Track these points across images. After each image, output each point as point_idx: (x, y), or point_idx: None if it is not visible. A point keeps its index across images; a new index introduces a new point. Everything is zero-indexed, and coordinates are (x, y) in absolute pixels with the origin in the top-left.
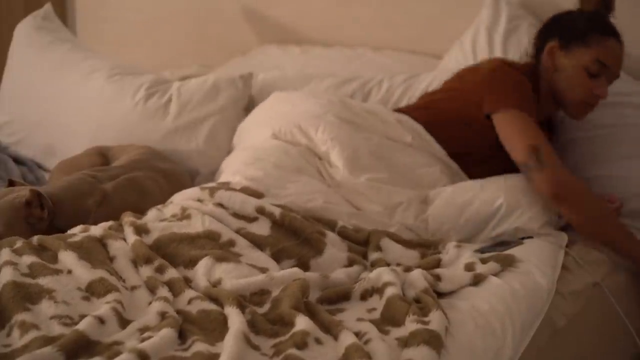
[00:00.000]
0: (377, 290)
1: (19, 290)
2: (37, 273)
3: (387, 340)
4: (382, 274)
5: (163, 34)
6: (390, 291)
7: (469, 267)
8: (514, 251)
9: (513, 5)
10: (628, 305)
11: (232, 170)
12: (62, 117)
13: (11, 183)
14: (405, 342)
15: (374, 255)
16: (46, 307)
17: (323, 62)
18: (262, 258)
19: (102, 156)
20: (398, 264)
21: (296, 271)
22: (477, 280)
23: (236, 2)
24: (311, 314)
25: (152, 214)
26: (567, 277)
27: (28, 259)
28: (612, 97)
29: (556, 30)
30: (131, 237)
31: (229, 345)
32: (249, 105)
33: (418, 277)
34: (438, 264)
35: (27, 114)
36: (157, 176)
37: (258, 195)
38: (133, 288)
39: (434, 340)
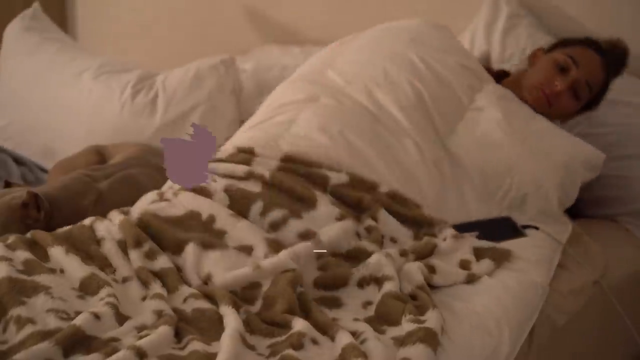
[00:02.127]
0: (376, 280)
1: (14, 286)
2: (32, 271)
3: (383, 340)
4: (382, 265)
5: (163, 34)
6: (387, 287)
7: (464, 265)
8: (510, 246)
9: (512, 3)
10: (628, 304)
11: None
12: (55, 120)
13: (7, 184)
14: (401, 341)
15: (368, 222)
16: (42, 301)
17: None
18: (245, 229)
19: (99, 155)
20: (392, 239)
21: (284, 260)
22: (470, 279)
23: (236, 3)
24: (306, 313)
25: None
26: (567, 275)
27: (22, 255)
28: (616, 96)
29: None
30: (117, 217)
31: (225, 345)
32: (238, 89)
33: (415, 271)
34: (433, 249)
35: (22, 118)
36: (152, 172)
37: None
38: (124, 280)
39: (430, 338)
